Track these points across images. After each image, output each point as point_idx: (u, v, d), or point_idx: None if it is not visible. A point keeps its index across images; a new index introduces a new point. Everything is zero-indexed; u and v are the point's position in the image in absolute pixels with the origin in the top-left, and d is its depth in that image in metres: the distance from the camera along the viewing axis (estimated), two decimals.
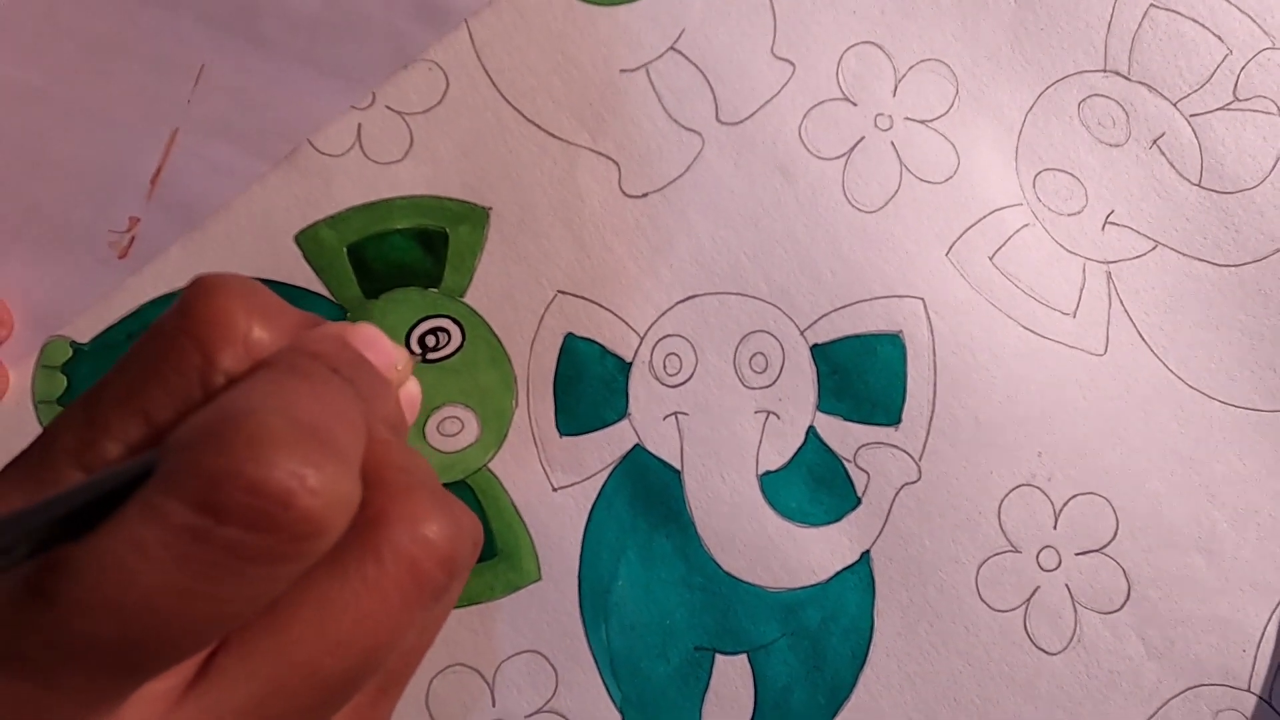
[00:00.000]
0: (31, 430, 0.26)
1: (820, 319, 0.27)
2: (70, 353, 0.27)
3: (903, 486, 0.26)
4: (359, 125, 0.27)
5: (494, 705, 0.26)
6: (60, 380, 0.27)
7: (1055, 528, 0.27)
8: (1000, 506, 0.26)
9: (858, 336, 0.27)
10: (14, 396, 0.26)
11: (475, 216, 0.27)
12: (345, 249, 0.27)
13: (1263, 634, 0.26)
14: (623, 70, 0.27)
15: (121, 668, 0.13)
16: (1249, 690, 0.26)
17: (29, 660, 0.13)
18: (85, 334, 0.27)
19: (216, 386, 0.16)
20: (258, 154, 0.27)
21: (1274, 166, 0.27)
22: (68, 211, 0.27)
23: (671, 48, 0.27)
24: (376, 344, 0.19)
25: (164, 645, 0.13)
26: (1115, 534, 0.26)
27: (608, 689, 0.26)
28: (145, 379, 0.16)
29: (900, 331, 0.27)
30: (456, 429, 0.27)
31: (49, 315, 0.27)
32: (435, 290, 0.27)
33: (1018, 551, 0.26)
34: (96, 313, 0.27)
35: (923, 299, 0.27)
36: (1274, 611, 0.26)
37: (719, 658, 0.26)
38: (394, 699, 0.19)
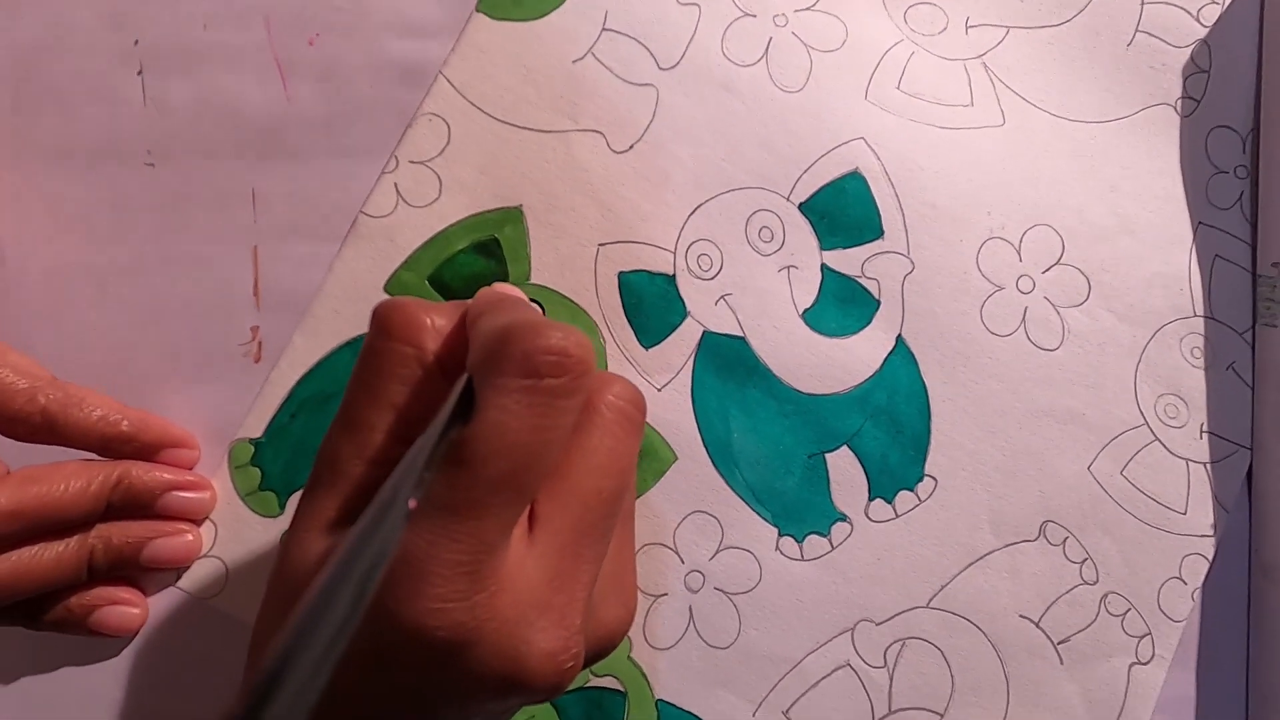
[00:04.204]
0: (249, 520, 0.32)
1: (796, 184, 0.33)
2: (252, 449, 0.32)
3: (904, 278, 0.33)
4: (395, 184, 0.33)
5: (682, 562, 0.32)
6: (254, 473, 0.32)
7: (1020, 260, 0.34)
8: (977, 260, 0.33)
9: (828, 184, 0.33)
10: (224, 498, 0.32)
11: (512, 216, 0.33)
12: (426, 281, 0.33)
13: (1189, 273, 0.34)
14: (574, 60, 0.33)
15: (516, 492, 0.20)
16: (1196, 315, 0.34)
17: (464, 505, 0.20)
18: (257, 429, 0.32)
19: (429, 364, 0.23)
20: (326, 238, 0.32)
21: None
22: (200, 342, 0.32)
23: (604, 29, 0.33)
24: (516, 291, 0.27)
25: (535, 469, 0.20)
26: (1063, 247, 0.34)
27: (758, 513, 0.32)
28: (380, 381, 0.23)
29: (856, 168, 0.33)
30: None
31: (222, 427, 0.32)
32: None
33: (1001, 288, 0.34)
34: (258, 409, 0.32)
35: (862, 137, 0.33)
36: (1189, 254, 0.34)
37: (828, 456, 0.33)
38: (631, 527, 0.27)
